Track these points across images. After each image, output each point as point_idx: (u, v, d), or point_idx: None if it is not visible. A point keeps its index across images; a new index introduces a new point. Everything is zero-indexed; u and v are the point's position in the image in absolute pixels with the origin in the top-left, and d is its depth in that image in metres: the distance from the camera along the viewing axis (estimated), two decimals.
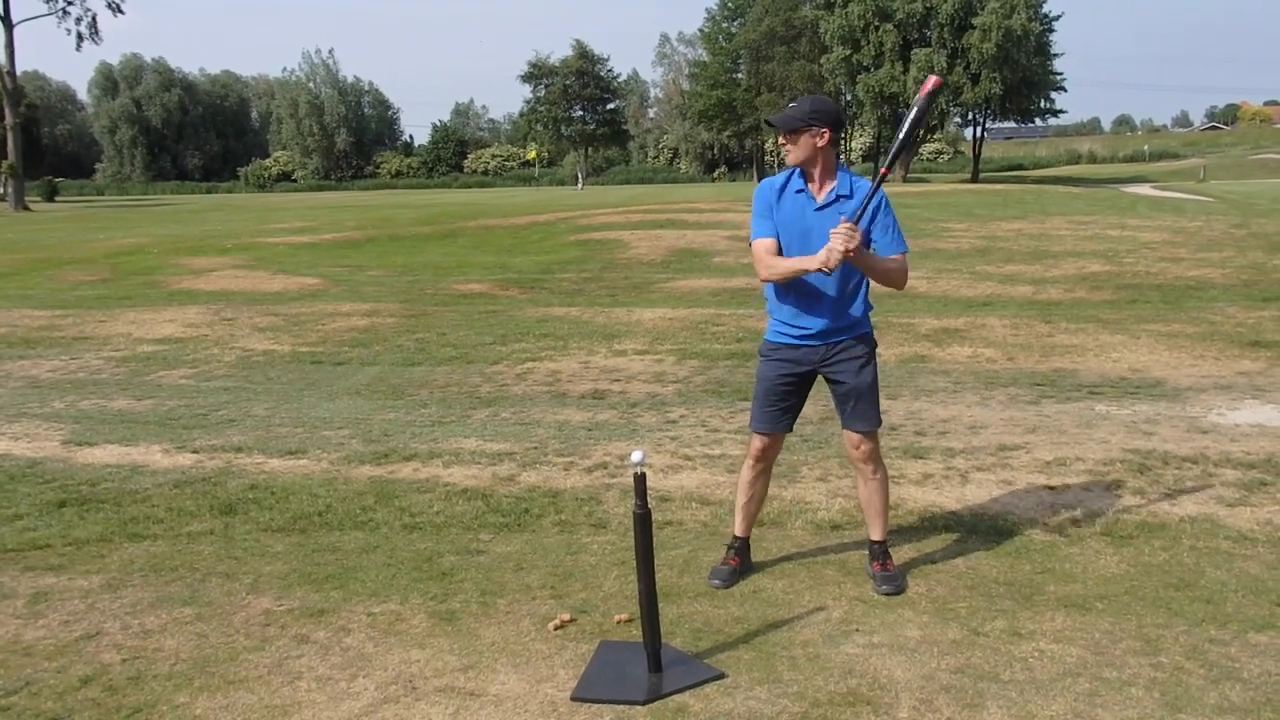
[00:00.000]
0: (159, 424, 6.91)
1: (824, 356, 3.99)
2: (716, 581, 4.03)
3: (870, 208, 3.78)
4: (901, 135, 3.89)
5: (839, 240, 3.62)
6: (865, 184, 3.89)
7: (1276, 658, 3.33)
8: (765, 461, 4.17)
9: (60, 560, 4.43)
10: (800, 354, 3.99)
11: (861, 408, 4.00)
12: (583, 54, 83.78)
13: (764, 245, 3.89)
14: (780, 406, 4.06)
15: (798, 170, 3.91)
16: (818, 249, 3.73)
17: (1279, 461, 5.47)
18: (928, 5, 53.56)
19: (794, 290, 3.93)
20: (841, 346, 3.99)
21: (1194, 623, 3.59)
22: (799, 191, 3.88)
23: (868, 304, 4.03)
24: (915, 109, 3.79)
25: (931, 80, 3.79)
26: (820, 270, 3.71)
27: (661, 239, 19.85)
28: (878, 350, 4.14)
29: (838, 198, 3.86)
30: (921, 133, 59.96)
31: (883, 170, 3.82)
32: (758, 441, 4.11)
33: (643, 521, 3.23)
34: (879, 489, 4.07)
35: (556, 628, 3.64)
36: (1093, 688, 3.16)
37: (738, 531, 4.22)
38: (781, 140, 3.89)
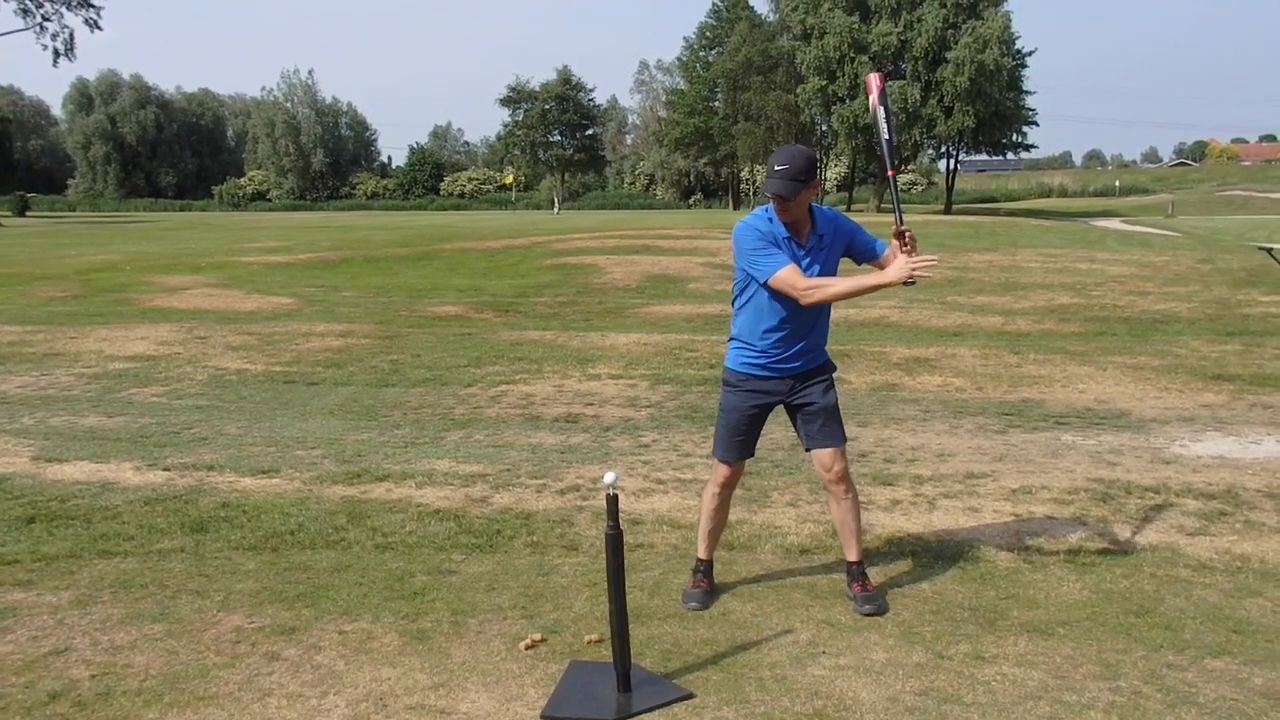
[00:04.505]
0: (130, 441, 6.89)
1: (792, 388, 4.08)
2: (693, 604, 4.07)
3: (851, 227, 4.07)
4: (886, 135, 4.06)
5: (908, 261, 3.77)
6: (830, 212, 4.07)
7: (1232, 683, 3.40)
8: (731, 488, 4.24)
9: (29, 576, 4.42)
10: (771, 385, 4.07)
11: (830, 425, 4.08)
12: (565, 80, 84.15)
13: (795, 270, 3.86)
14: (748, 436, 4.15)
15: (771, 213, 3.94)
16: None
17: (1239, 492, 5.57)
18: (902, 38, 54.23)
19: (779, 328, 4.00)
20: (809, 374, 4.09)
21: (1153, 648, 3.66)
22: (786, 238, 3.93)
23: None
24: (883, 108, 4.06)
25: (873, 80, 4.13)
26: (904, 282, 3.79)
27: (637, 264, 19.94)
28: (848, 378, 4.23)
29: (819, 237, 3.97)
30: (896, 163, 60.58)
31: (890, 171, 4.13)
32: (726, 470, 4.17)
33: (614, 542, 3.27)
34: (852, 509, 4.13)
35: (527, 647, 3.66)
36: (1053, 711, 3.22)
37: (703, 555, 4.27)
38: (780, 206, 3.88)
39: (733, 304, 4.16)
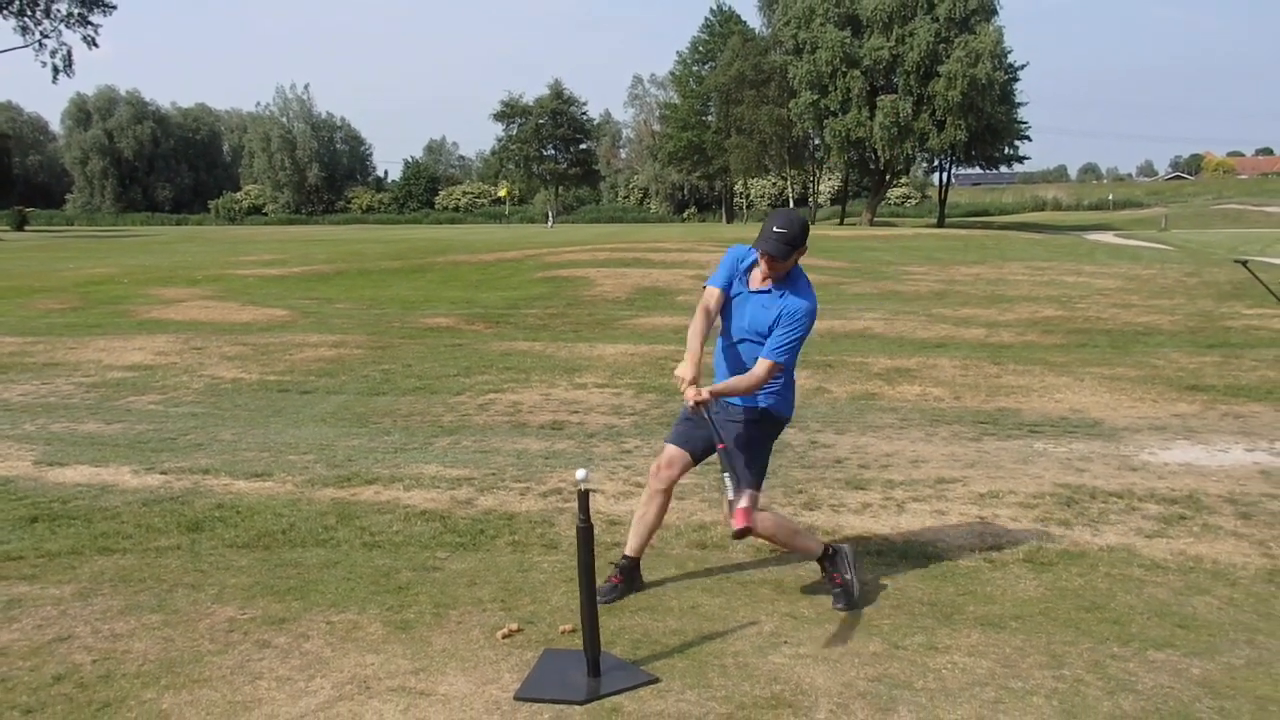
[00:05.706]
0: (128, 446, 7.08)
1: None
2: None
3: (789, 321, 4.03)
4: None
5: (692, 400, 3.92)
6: (802, 293, 4.08)
7: (1171, 672, 3.60)
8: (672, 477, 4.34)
9: (33, 571, 4.61)
10: None
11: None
12: (558, 94, 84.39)
13: (713, 294, 4.14)
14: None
15: (753, 254, 4.10)
16: (738, 320, 4.13)
17: (1200, 497, 5.77)
18: (894, 53, 54.61)
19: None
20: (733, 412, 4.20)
21: (1099, 641, 3.86)
22: (744, 273, 4.14)
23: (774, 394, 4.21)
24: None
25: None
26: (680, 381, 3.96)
27: (627, 277, 20.16)
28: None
29: (769, 292, 4.09)
30: (889, 177, 61.20)
31: (720, 446, 3.94)
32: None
33: (585, 535, 3.48)
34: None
35: (504, 636, 3.86)
36: (997, 696, 3.42)
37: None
38: (769, 263, 4.03)
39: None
